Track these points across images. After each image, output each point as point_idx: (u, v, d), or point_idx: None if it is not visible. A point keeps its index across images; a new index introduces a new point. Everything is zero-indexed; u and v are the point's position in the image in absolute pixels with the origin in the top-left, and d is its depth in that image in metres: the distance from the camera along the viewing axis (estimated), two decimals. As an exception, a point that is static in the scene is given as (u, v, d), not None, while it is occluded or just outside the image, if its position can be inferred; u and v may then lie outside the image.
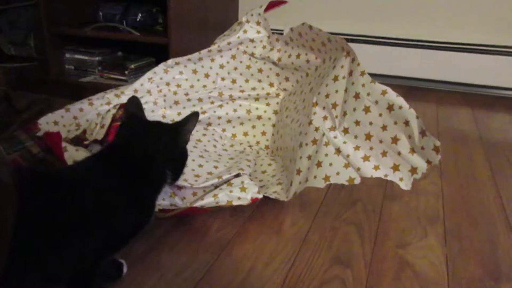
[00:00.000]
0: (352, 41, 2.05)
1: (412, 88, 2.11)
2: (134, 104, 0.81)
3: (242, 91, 1.35)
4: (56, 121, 1.14)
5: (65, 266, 0.62)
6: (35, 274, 0.59)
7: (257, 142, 1.35)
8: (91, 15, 1.89)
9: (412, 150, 0.91)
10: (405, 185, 0.93)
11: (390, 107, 0.91)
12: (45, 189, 0.61)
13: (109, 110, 1.09)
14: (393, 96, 0.90)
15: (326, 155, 0.98)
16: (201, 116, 1.33)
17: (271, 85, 1.35)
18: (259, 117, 1.36)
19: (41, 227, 0.58)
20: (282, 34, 1.27)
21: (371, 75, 0.95)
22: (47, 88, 1.78)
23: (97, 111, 1.19)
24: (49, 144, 0.96)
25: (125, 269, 0.79)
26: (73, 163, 0.91)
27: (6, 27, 2.12)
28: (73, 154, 0.95)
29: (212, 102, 1.33)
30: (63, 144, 0.95)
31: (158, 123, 0.80)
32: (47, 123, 1.11)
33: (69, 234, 0.61)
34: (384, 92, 0.91)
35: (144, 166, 0.73)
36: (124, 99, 1.22)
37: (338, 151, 0.98)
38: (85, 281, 0.66)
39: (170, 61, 1.26)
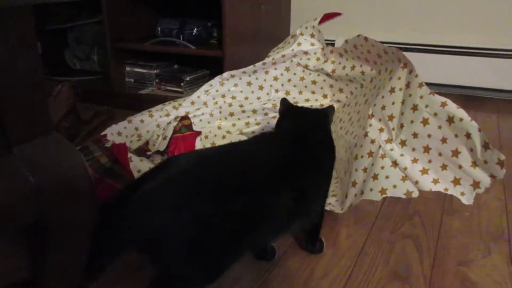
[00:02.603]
0: (407, 50, 2.01)
1: (470, 98, 2.03)
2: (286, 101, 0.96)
3: (296, 102, 1.36)
4: (120, 132, 1.21)
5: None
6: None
7: (310, 153, 1.35)
8: (150, 30, 1.99)
9: (474, 164, 0.88)
10: (467, 199, 0.90)
11: (450, 120, 0.88)
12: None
13: (169, 122, 1.15)
14: (453, 108, 0.88)
15: (383, 167, 0.97)
16: (255, 127, 1.35)
17: (325, 96, 1.35)
18: (312, 128, 1.37)
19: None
20: (333, 44, 1.27)
21: (426, 84, 0.93)
22: (109, 100, 1.88)
23: (156, 123, 1.25)
24: (116, 155, 1.02)
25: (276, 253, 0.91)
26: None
27: (72, 43, 2.27)
28: (138, 165, 1.00)
29: (266, 114, 1.36)
30: (129, 155, 1.01)
31: (311, 109, 0.96)
32: (112, 134, 1.18)
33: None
34: (443, 104, 0.89)
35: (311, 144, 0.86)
36: (181, 111, 1.28)
37: (395, 163, 0.96)
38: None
39: (225, 74, 1.30)
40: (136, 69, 1.96)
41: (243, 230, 0.68)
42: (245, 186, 0.68)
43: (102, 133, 1.17)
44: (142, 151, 1.12)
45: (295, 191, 0.75)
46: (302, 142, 0.84)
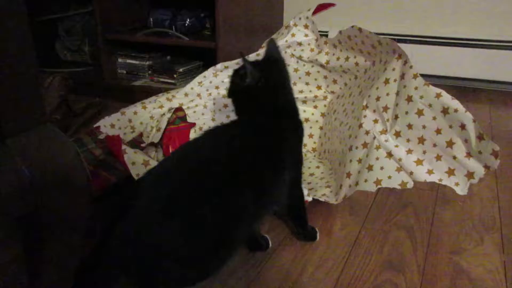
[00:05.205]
0: (400, 41, 2.01)
1: (463, 89, 2.04)
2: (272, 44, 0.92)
3: (289, 94, 1.36)
4: (113, 124, 1.19)
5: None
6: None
7: (304, 145, 1.35)
8: (142, 21, 1.96)
9: (469, 155, 0.88)
10: (461, 190, 0.90)
11: (445, 110, 0.89)
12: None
13: (163, 114, 1.13)
14: (448, 99, 0.88)
15: (377, 158, 0.97)
16: (249, 119, 1.35)
17: (319, 87, 1.35)
18: (306, 120, 1.36)
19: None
20: (327, 35, 1.27)
21: (420, 75, 0.93)
22: (101, 92, 1.86)
23: (150, 114, 1.24)
24: (109, 147, 1.01)
25: (270, 243, 0.92)
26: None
27: (63, 35, 2.24)
28: (132, 157, 0.99)
29: (260, 105, 1.35)
30: (123, 147, 1.00)
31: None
32: (104, 126, 1.17)
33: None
34: (438, 95, 0.89)
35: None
36: (175, 102, 1.27)
37: (389, 154, 0.97)
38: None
39: (219, 65, 1.29)
40: (129, 61, 1.95)
41: (229, 228, 0.69)
42: (224, 186, 0.68)
43: (95, 125, 1.16)
44: (136, 143, 1.11)
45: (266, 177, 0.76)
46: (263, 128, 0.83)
